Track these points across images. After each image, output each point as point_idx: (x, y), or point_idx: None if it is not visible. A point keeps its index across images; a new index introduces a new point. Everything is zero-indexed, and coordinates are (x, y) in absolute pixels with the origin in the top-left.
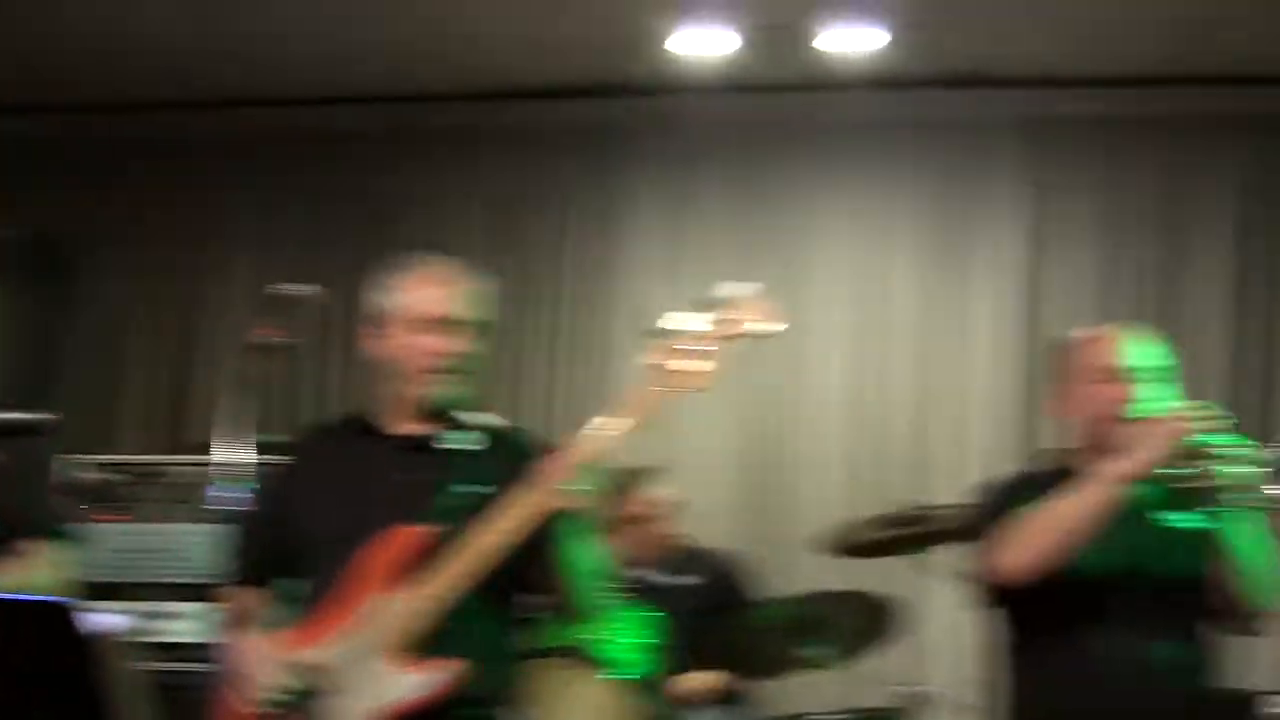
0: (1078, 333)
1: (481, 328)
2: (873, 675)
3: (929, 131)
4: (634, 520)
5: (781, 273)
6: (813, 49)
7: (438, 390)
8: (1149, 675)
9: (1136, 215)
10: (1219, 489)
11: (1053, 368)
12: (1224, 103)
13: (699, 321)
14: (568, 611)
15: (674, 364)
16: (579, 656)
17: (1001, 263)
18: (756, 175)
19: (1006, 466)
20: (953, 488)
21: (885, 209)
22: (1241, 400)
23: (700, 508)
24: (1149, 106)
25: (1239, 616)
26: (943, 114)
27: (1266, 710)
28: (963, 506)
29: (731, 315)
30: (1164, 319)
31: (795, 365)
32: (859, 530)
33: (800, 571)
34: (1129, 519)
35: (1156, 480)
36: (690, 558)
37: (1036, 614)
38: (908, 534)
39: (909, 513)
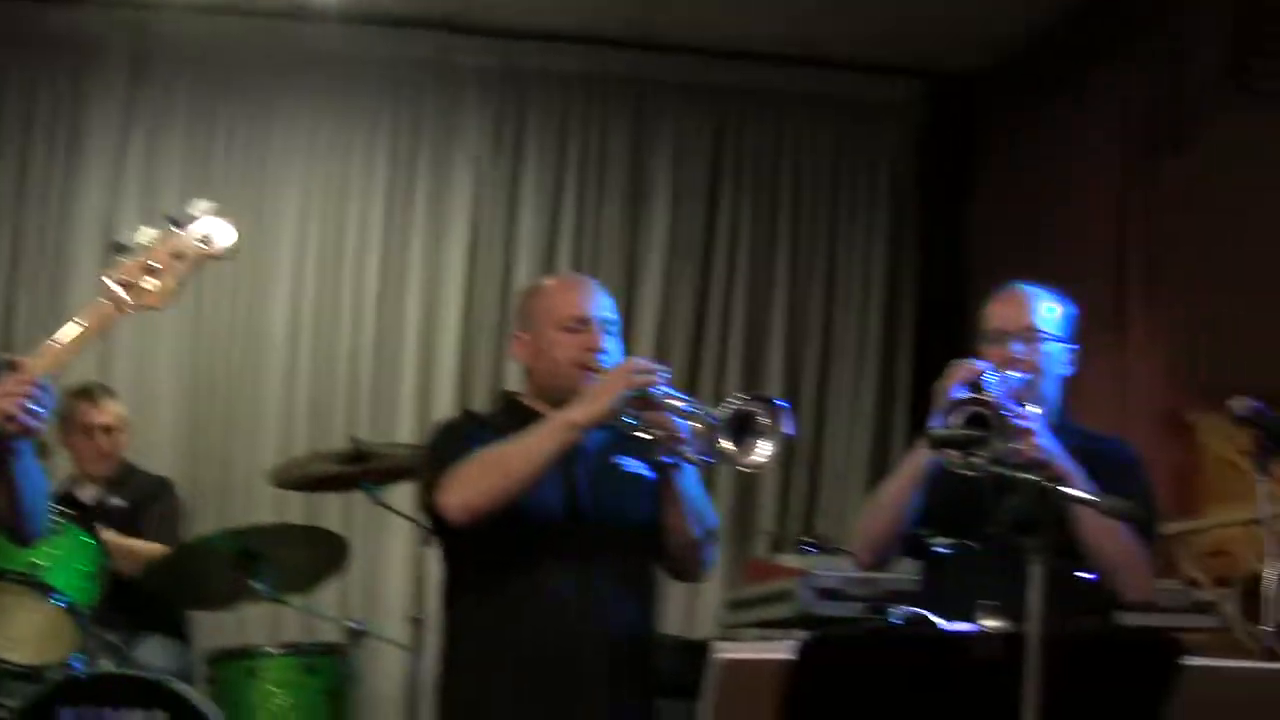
0: (544, 279)
1: None
2: (323, 609)
3: (401, 71)
4: (80, 436)
5: (246, 197)
6: None
7: None
8: (595, 616)
9: (600, 170)
10: (669, 439)
11: (519, 312)
12: (686, 69)
13: (158, 239)
14: (7, 532)
15: (131, 280)
16: (17, 579)
17: (469, 205)
18: (223, 98)
19: (471, 406)
20: (415, 425)
21: (355, 143)
22: (679, 353)
23: (152, 432)
24: (613, 66)
25: (686, 564)
26: (415, 54)
27: (715, 656)
28: (417, 444)
29: (190, 234)
30: (622, 273)
31: (257, 294)
32: (311, 464)
33: (254, 503)
34: (583, 463)
35: (611, 427)
36: (126, 479)
37: (485, 552)
38: (360, 469)
39: (362, 448)
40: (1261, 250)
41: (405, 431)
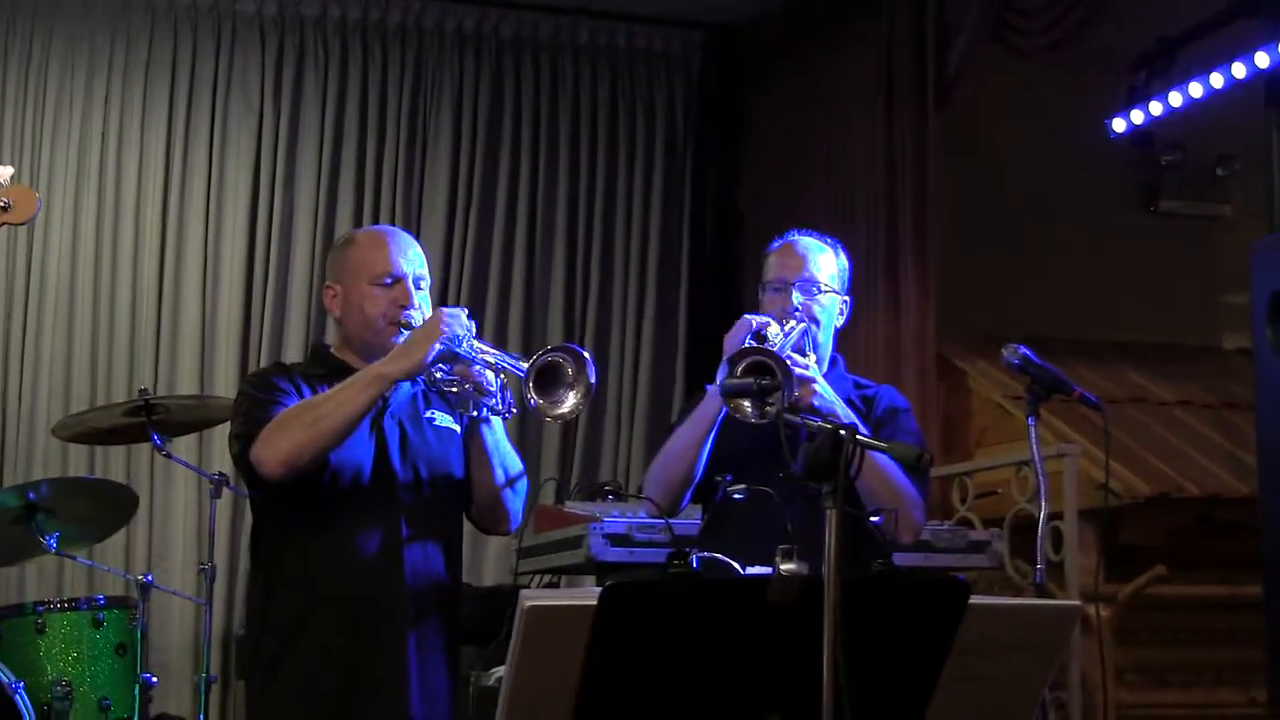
0: (356, 232)
1: None
2: (111, 562)
3: (180, 15)
4: None
5: (23, 146)
6: None
7: None
8: (402, 567)
9: (380, 119)
10: (478, 392)
11: (331, 264)
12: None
13: None
14: None
15: None
16: None
17: (249, 153)
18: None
19: (250, 356)
20: (195, 376)
21: (133, 91)
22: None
23: None
24: (392, 15)
25: (494, 516)
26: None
27: (522, 603)
28: (206, 396)
29: None
30: (402, 223)
31: (34, 245)
32: (98, 416)
33: (34, 458)
34: (393, 418)
35: (421, 381)
36: None
37: (295, 505)
38: (146, 421)
39: (150, 400)
40: (1025, 202)
41: (187, 382)
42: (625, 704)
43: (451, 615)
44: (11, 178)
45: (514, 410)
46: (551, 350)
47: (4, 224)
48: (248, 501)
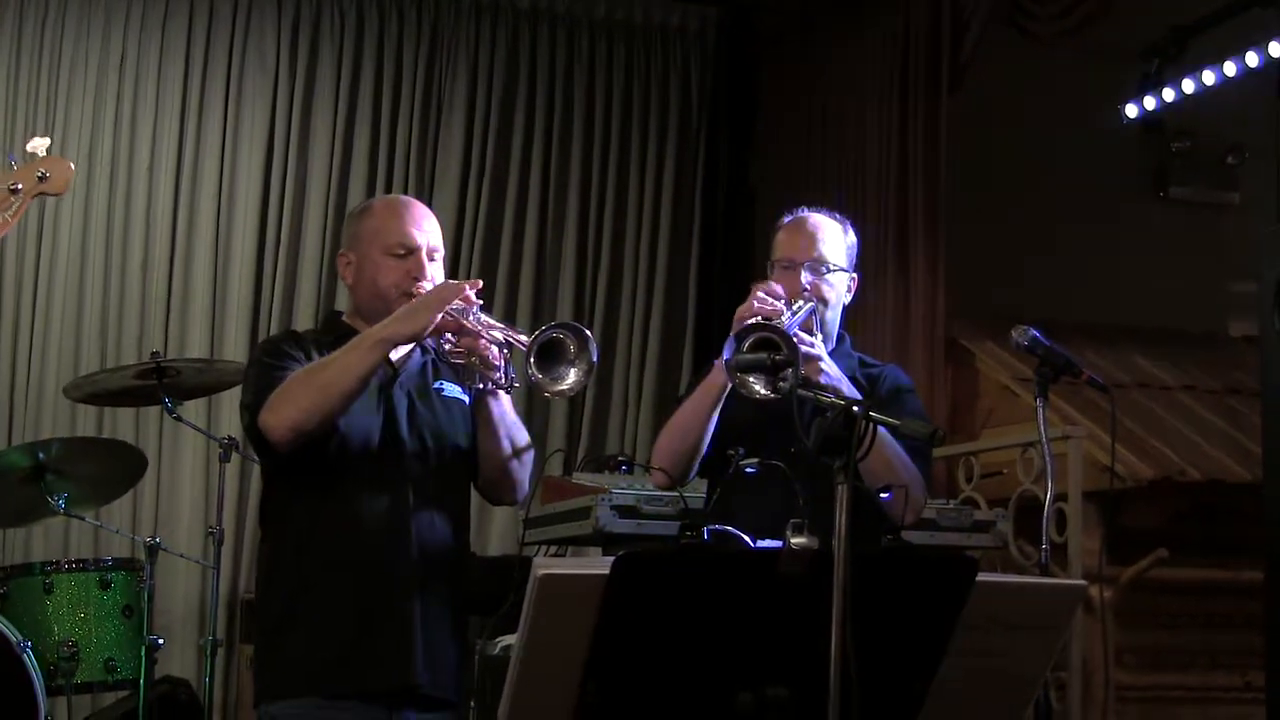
0: (373, 201)
1: None
2: (119, 524)
3: None
4: None
5: (36, 106)
6: None
7: None
8: (409, 534)
9: (395, 86)
10: (482, 364)
11: (346, 233)
12: None
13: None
14: None
15: None
16: None
17: (264, 118)
18: (11, 6)
19: (262, 320)
20: (206, 339)
21: (148, 53)
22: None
23: None
24: None
25: (501, 486)
26: None
27: (535, 571)
28: (216, 360)
29: (27, 169)
30: (415, 191)
31: (46, 205)
32: (109, 378)
33: (43, 418)
34: (402, 387)
35: (427, 350)
36: None
37: (304, 472)
38: (157, 384)
39: (162, 363)
40: (1035, 185)
41: (197, 347)
42: (634, 673)
43: (458, 583)
44: (47, 149)
45: (516, 385)
46: (554, 326)
47: (41, 194)
48: (254, 467)
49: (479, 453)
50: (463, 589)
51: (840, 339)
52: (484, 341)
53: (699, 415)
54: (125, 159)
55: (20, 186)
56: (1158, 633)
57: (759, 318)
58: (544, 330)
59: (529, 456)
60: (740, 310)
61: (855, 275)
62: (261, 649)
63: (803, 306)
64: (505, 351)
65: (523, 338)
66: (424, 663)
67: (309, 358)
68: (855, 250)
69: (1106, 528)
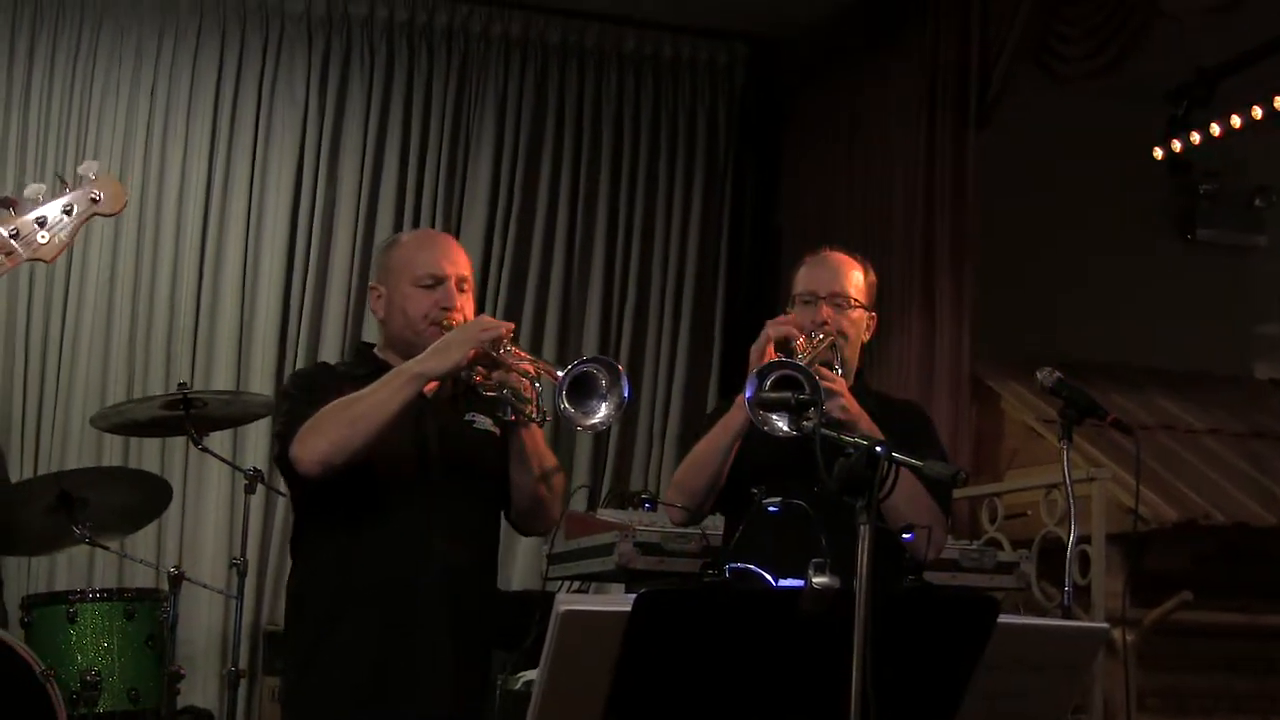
0: (402, 234)
1: None
2: (143, 554)
3: (227, 13)
4: None
5: (66, 138)
6: None
7: None
8: (437, 567)
9: (423, 121)
10: (514, 397)
11: (376, 265)
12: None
13: (49, 194)
14: None
15: (22, 231)
16: None
17: (292, 152)
18: (43, 37)
19: (288, 353)
20: (232, 372)
21: (178, 87)
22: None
23: None
24: (438, 18)
25: (533, 517)
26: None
27: (557, 607)
28: (242, 392)
29: (81, 191)
30: (442, 226)
31: (81, 236)
32: (136, 408)
33: (69, 448)
34: (434, 419)
35: (460, 383)
36: None
37: (334, 502)
38: (184, 415)
39: (189, 394)
40: (1062, 225)
41: (223, 378)
42: (655, 711)
43: (485, 617)
44: (103, 171)
45: (548, 417)
46: (587, 361)
47: (95, 215)
48: (279, 498)
49: (511, 484)
50: (490, 621)
51: (858, 374)
52: (516, 374)
53: (717, 451)
54: (154, 189)
55: (74, 208)
56: (1181, 676)
57: (779, 354)
58: (577, 364)
59: (560, 485)
60: (754, 348)
61: (874, 314)
62: (289, 679)
63: (823, 341)
64: (538, 385)
65: (556, 371)
66: (451, 695)
67: (340, 391)
68: (875, 290)
69: (1130, 570)
